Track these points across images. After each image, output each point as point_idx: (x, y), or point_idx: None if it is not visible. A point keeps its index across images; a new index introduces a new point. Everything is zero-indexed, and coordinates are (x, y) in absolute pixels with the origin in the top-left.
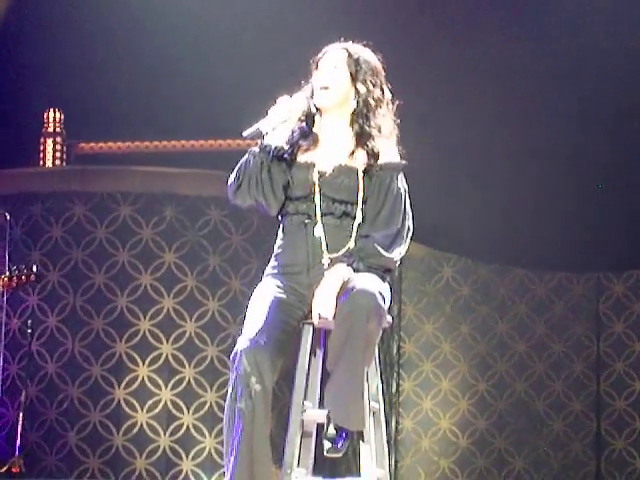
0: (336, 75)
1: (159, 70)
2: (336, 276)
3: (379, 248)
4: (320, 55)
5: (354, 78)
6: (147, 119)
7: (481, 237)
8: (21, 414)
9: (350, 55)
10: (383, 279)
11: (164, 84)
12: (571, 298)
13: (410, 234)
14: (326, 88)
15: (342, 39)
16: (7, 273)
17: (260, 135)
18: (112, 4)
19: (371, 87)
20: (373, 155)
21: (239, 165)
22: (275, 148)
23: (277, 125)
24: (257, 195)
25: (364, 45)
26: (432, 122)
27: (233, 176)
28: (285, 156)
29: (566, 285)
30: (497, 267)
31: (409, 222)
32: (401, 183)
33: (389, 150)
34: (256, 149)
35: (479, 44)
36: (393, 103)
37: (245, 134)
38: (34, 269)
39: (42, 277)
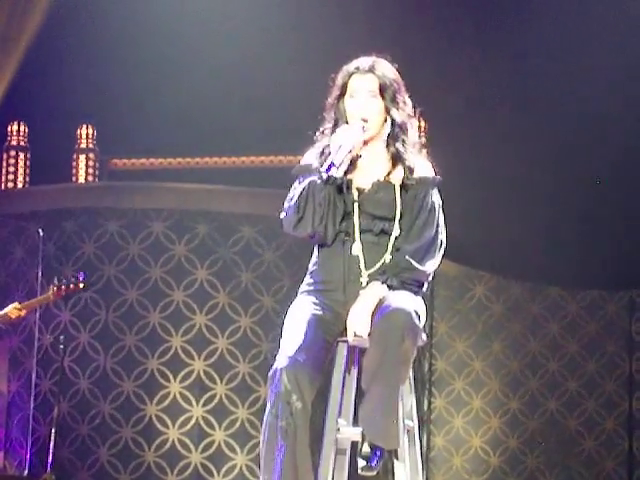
0: (373, 107)
1: (192, 87)
2: (372, 294)
3: (411, 261)
4: (345, 77)
5: (387, 105)
6: (179, 136)
7: (513, 255)
8: (53, 430)
9: (380, 79)
10: (417, 294)
11: (196, 101)
12: (604, 316)
13: (443, 248)
14: (366, 121)
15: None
16: (56, 282)
17: (329, 168)
18: (144, 21)
19: (402, 107)
20: (409, 170)
21: (299, 196)
22: (340, 179)
23: (346, 157)
24: (318, 227)
25: (382, 57)
26: (465, 138)
27: (293, 208)
28: (342, 184)
29: (599, 303)
30: (529, 285)
31: (442, 236)
32: (435, 197)
33: (423, 164)
34: (319, 181)
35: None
36: (415, 107)
37: (322, 170)
38: (81, 277)
39: (87, 287)
